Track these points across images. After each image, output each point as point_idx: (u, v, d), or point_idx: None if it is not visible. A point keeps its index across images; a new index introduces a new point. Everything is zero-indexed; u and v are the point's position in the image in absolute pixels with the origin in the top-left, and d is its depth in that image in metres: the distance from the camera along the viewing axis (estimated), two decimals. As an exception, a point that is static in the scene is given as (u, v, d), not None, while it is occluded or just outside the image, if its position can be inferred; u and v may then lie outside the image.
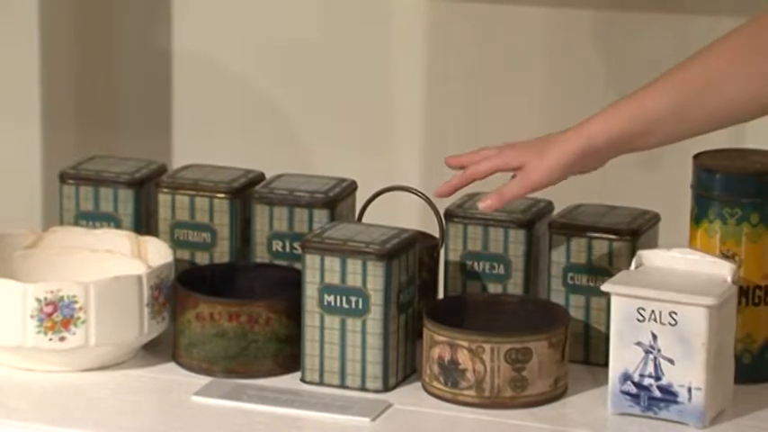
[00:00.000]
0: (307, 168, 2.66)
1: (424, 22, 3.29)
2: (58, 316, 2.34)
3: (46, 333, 2.34)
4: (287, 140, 3.27)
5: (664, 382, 2.25)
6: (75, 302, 2.34)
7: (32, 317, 2.33)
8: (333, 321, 2.35)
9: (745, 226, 2.35)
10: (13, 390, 2.37)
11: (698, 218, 2.39)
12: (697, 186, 2.39)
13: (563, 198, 2.56)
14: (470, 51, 3.27)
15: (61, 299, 2.33)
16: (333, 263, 2.35)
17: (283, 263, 2.52)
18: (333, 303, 2.35)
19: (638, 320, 2.25)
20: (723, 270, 2.28)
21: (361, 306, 2.34)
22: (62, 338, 2.34)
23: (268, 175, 2.62)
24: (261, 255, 2.55)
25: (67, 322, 2.34)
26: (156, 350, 2.46)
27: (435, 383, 2.33)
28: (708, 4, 3.13)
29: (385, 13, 3.30)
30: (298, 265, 2.40)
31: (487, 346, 2.28)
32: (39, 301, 2.33)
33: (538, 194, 2.53)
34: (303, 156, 2.95)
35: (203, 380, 2.38)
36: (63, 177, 2.63)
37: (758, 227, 2.36)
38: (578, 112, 3.13)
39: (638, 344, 2.25)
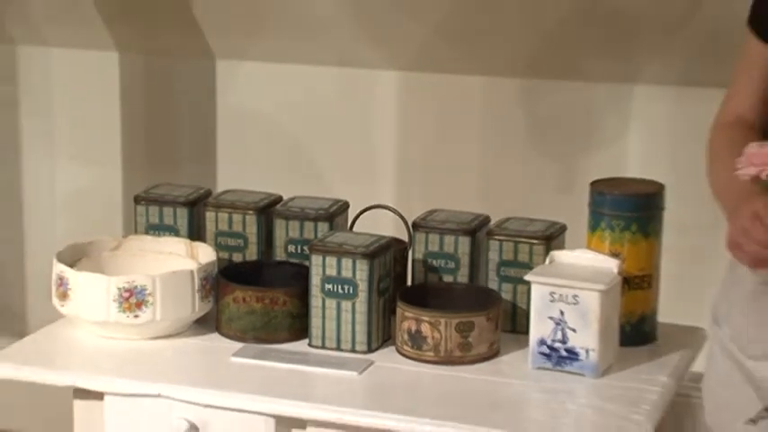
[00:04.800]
0: (313, 192, 2.64)
1: (396, 89, 3.30)
2: (133, 299, 2.34)
3: (124, 312, 2.35)
4: (298, 173, 3.26)
5: (568, 345, 2.27)
6: (146, 290, 2.34)
7: (114, 300, 2.34)
8: (331, 303, 2.36)
9: (626, 233, 2.36)
10: (102, 353, 2.37)
11: (593, 227, 2.39)
12: (592, 205, 2.39)
13: (497, 213, 2.55)
14: (429, 108, 3.27)
15: (135, 287, 2.34)
16: (331, 261, 2.35)
17: (296, 261, 2.50)
18: (331, 290, 2.36)
19: (551, 301, 2.27)
20: (611, 265, 2.29)
21: (351, 292, 2.35)
22: (136, 316, 2.35)
23: (285, 197, 2.61)
24: (280, 255, 2.54)
25: (140, 304, 2.35)
26: (203, 324, 2.45)
27: (405, 347, 2.33)
28: (606, 73, 3.15)
29: (370, 83, 3.31)
30: (306, 263, 2.40)
31: (443, 320, 2.30)
32: (119, 288, 2.34)
33: (471, 206, 2.58)
34: (310, 184, 2.94)
35: (238, 345, 2.38)
36: (137, 199, 2.62)
37: (636, 234, 2.36)
38: (506, 158, 3.19)
39: (551, 318, 2.27)
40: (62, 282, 2.39)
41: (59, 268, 2.40)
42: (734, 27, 2.11)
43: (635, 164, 3.03)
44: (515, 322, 2.42)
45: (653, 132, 3.09)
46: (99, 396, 2.28)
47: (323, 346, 2.38)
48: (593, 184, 2.42)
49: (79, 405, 2.32)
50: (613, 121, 3.15)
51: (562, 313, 2.27)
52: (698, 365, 2.29)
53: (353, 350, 2.37)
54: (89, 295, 2.37)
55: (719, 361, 2.11)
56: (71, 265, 2.42)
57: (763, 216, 1.86)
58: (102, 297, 2.35)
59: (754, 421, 2.03)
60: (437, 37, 3.18)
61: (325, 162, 3.33)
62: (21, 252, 3.59)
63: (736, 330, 2.07)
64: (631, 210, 2.36)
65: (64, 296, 2.39)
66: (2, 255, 3.60)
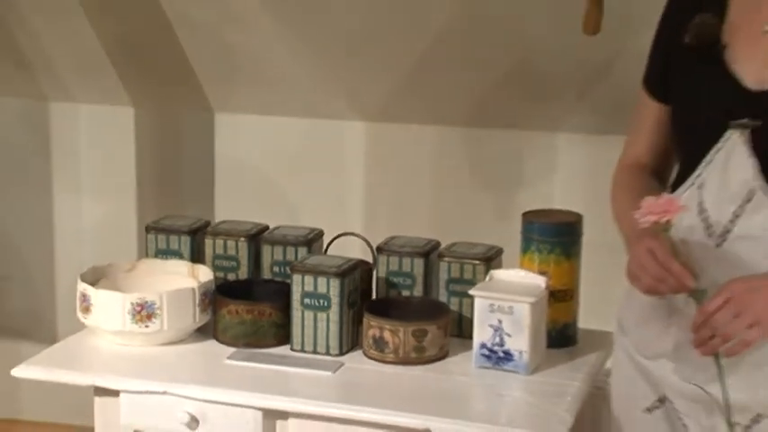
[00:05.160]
0: (293, 222, 2.64)
1: (363, 137, 3.31)
2: (144, 312, 2.34)
3: (136, 323, 2.35)
4: (281, 206, 3.26)
5: (505, 347, 2.27)
6: (155, 304, 2.34)
7: (128, 313, 2.34)
8: (309, 314, 2.35)
9: (552, 255, 2.36)
10: (117, 357, 2.37)
11: (524, 250, 2.39)
12: (524, 232, 2.40)
13: (446, 239, 2.55)
14: (391, 152, 3.29)
15: (146, 302, 2.34)
16: (309, 279, 2.35)
17: (280, 279, 2.49)
18: (309, 303, 2.35)
19: (490, 311, 2.27)
20: (539, 281, 2.30)
21: (326, 305, 2.34)
22: (146, 326, 2.35)
23: (270, 227, 2.60)
24: (266, 274, 2.53)
25: (150, 316, 2.35)
26: (203, 332, 2.44)
27: (370, 350, 2.33)
28: (535, 123, 3.16)
29: (341, 131, 3.32)
30: (288, 281, 2.39)
31: (401, 328, 2.30)
32: (132, 303, 2.34)
33: (426, 233, 2.58)
34: (291, 215, 2.93)
35: (231, 350, 2.37)
36: (147, 229, 2.61)
37: (560, 256, 2.36)
38: (453, 193, 3.20)
39: (490, 325, 2.27)
40: (85, 298, 2.39)
41: (83, 287, 2.40)
42: (636, 87, 2.12)
43: (559, 198, 3.05)
44: (461, 329, 2.42)
45: (573, 172, 3.11)
46: (115, 393, 2.28)
47: (302, 350, 2.37)
48: (525, 214, 2.42)
49: (98, 401, 2.31)
50: (541, 163, 3.17)
51: (500, 321, 2.27)
52: (610, 363, 2.29)
53: (327, 353, 2.36)
54: (107, 309, 2.36)
55: (623, 361, 2.12)
56: (93, 284, 2.41)
57: (656, 254, 1.89)
58: (119, 311, 2.35)
59: (649, 410, 2.06)
60: (398, 93, 3.19)
61: (304, 197, 3.34)
62: (51, 273, 3.58)
63: (636, 336, 2.08)
64: (555, 236, 2.37)
65: (86, 310, 2.39)
66: (36, 275, 3.59)
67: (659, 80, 2.06)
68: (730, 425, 1.92)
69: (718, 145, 1.91)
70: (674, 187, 2.01)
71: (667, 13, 2.04)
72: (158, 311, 2.36)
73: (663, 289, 1.91)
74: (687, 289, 1.88)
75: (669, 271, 1.88)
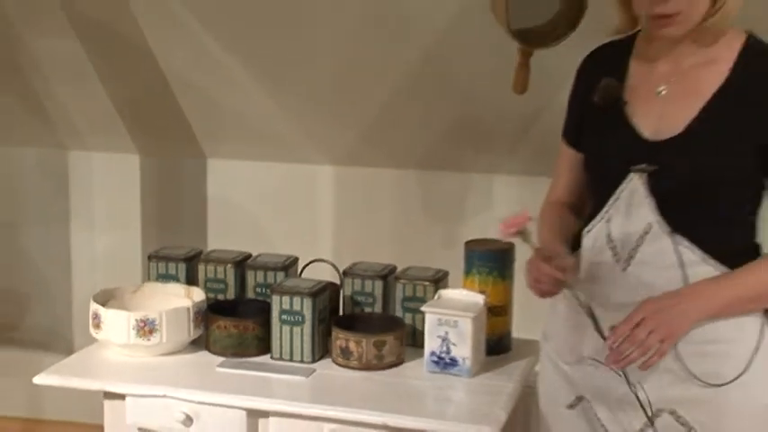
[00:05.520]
0: (273, 251, 2.63)
1: (331, 178, 3.31)
2: (146, 328, 2.33)
3: (140, 337, 2.33)
4: (263, 237, 3.25)
5: (451, 355, 2.26)
6: (155, 321, 2.33)
7: (133, 329, 2.33)
8: (286, 328, 2.34)
9: (490, 277, 2.36)
10: (124, 366, 2.35)
11: (467, 273, 2.39)
12: (466, 257, 2.39)
13: (402, 263, 2.54)
14: (355, 191, 3.28)
15: (148, 319, 2.33)
16: (286, 299, 2.34)
17: (262, 299, 2.48)
18: (286, 319, 2.34)
19: (438, 324, 2.26)
20: (479, 299, 2.31)
21: (300, 320, 2.33)
22: (148, 339, 2.34)
23: (253, 254, 2.59)
24: (250, 295, 2.52)
25: (151, 331, 2.33)
26: (196, 344, 2.42)
27: (338, 358, 2.32)
28: (475, 166, 3.16)
29: (313, 174, 3.31)
30: (269, 300, 2.38)
31: (364, 339, 2.29)
32: (137, 320, 2.33)
33: (385, 259, 2.57)
34: (271, 245, 2.90)
35: (220, 359, 2.36)
36: (150, 257, 2.59)
37: (496, 278, 2.36)
38: (408, 225, 3.22)
39: (439, 336, 2.26)
40: (96, 316, 2.38)
41: (94, 307, 2.39)
42: (558, 137, 2.13)
43: (495, 229, 3.04)
44: (415, 339, 2.41)
45: (508, 207, 3.05)
46: (122, 397, 2.27)
47: (280, 359, 2.36)
48: (467, 243, 2.42)
49: (108, 404, 2.30)
50: (481, 200, 3.17)
51: (446, 333, 2.27)
52: (538, 367, 2.28)
53: (302, 361, 2.35)
54: (115, 325, 2.35)
55: (547, 366, 2.12)
56: (103, 304, 2.40)
57: (530, 264, 1.93)
58: (125, 327, 2.34)
59: (570, 407, 2.06)
60: (361, 141, 3.19)
61: (282, 230, 3.32)
62: (69, 294, 3.56)
63: (557, 344, 2.09)
64: (492, 261, 2.37)
65: (98, 326, 2.38)
66: (55, 296, 3.57)
67: (575, 132, 2.08)
68: (649, 418, 1.91)
69: (622, 186, 1.92)
70: (588, 220, 2.01)
71: (579, 77, 2.07)
72: (158, 327, 2.34)
73: (545, 288, 1.93)
74: (560, 283, 1.90)
75: (539, 271, 1.90)
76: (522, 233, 1.91)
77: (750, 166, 1.86)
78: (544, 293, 1.96)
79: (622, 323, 1.83)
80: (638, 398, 1.89)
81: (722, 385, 1.88)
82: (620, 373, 1.89)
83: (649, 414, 1.90)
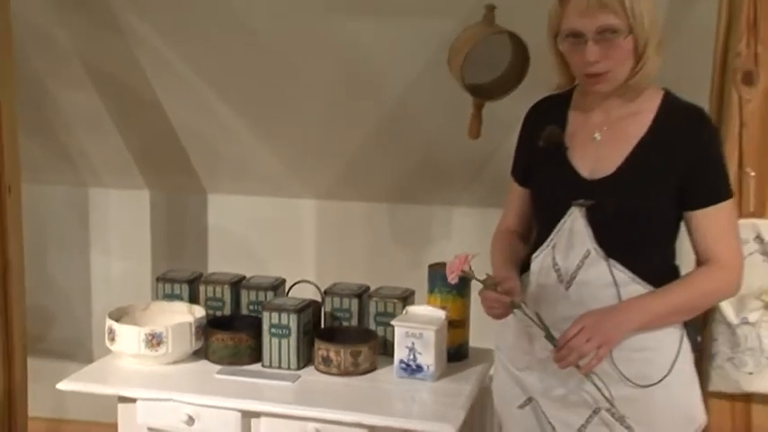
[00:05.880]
0: (265, 273, 2.62)
1: (314, 211, 3.28)
2: (154, 340, 2.30)
3: (149, 348, 2.31)
4: (255, 261, 3.21)
5: (417, 362, 2.25)
6: (162, 334, 2.31)
7: (143, 341, 2.30)
8: (275, 340, 2.32)
9: (450, 295, 2.35)
10: (135, 374, 2.32)
11: (430, 291, 2.37)
12: (429, 278, 2.38)
13: (375, 283, 2.52)
14: (334, 222, 3.25)
15: (156, 333, 2.30)
16: (275, 315, 2.32)
17: (254, 315, 2.45)
18: (275, 332, 2.32)
19: (406, 336, 2.25)
20: (441, 314, 2.29)
21: (287, 333, 2.31)
22: (156, 350, 2.31)
23: (247, 276, 2.57)
24: (244, 311, 2.49)
25: (159, 343, 2.31)
26: (198, 354, 2.40)
27: (320, 366, 2.30)
28: (437, 199, 3.14)
29: (298, 207, 3.28)
30: (260, 316, 2.36)
31: (342, 350, 2.27)
32: (146, 334, 2.30)
33: (360, 280, 2.54)
34: (263, 267, 2.89)
35: (218, 367, 2.34)
36: (158, 279, 2.57)
37: (456, 295, 2.35)
38: (380, 251, 3.21)
39: (407, 346, 2.25)
40: (111, 330, 2.35)
41: (109, 322, 2.36)
42: (507, 175, 2.13)
43: (455, 254, 3.03)
44: (386, 349, 2.39)
45: (465, 234, 3.10)
46: (133, 401, 2.24)
47: (270, 366, 2.34)
48: (430, 266, 2.41)
49: (121, 406, 2.27)
50: (442, 228, 3.16)
51: (413, 343, 2.25)
52: (492, 372, 2.26)
53: (289, 368, 2.33)
54: (127, 339, 2.32)
55: (500, 371, 2.10)
56: (117, 320, 2.37)
57: (481, 294, 1.92)
58: (135, 339, 2.31)
59: (521, 407, 2.04)
60: (339, 178, 3.17)
61: (272, 254, 3.29)
62: (89, 311, 3.51)
63: (508, 352, 2.07)
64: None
65: (112, 339, 2.35)
66: (77, 313, 3.53)
67: (522, 172, 2.07)
68: (613, 415, 1.90)
69: (564, 218, 1.92)
70: (535, 247, 2.00)
71: (526, 124, 2.06)
72: (165, 340, 2.32)
73: (498, 312, 1.91)
74: (509, 305, 1.89)
75: (489, 299, 1.90)
76: (465, 273, 1.89)
77: (668, 202, 1.87)
78: (498, 316, 1.94)
79: (565, 332, 1.83)
80: (602, 393, 1.87)
81: (650, 386, 1.89)
82: (583, 377, 1.87)
83: (610, 402, 1.88)
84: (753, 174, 2.06)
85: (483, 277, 1.91)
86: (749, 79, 2.03)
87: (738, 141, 2.04)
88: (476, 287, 2.34)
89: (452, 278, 1.88)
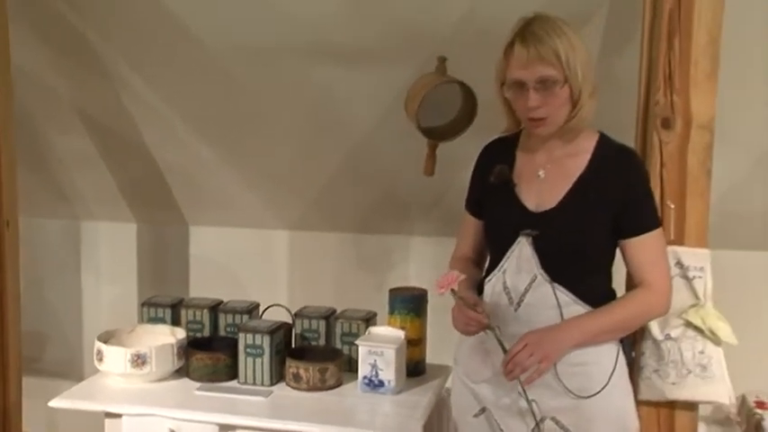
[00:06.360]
0: (241, 297, 2.57)
1: (286, 240, 3.24)
2: (139, 360, 2.24)
3: (134, 367, 2.24)
4: (232, 286, 3.13)
5: (379, 378, 2.21)
6: (147, 354, 2.24)
7: (129, 361, 2.24)
8: (250, 359, 2.27)
9: (408, 316, 2.31)
10: (122, 391, 2.25)
11: (390, 313, 2.34)
12: (390, 301, 2.34)
13: (341, 306, 2.47)
14: (305, 250, 3.22)
15: (141, 353, 2.24)
16: (250, 336, 2.26)
17: (231, 336, 2.39)
18: (250, 352, 2.26)
19: (369, 354, 2.20)
20: (400, 334, 2.25)
21: (261, 353, 2.26)
22: (141, 369, 2.24)
23: (225, 301, 2.51)
24: (222, 333, 2.44)
25: (143, 362, 2.24)
26: (179, 373, 2.34)
27: (291, 382, 2.25)
28: (396, 229, 3.12)
29: (272, 237, 3.23)
30: (237, 337, 2.30)
31: (311, 367, 2.22)
32: (132, 355, 2.24)
33: (328, 304, 2.49)
34: (240, 292, 2.82)
35: (198, 384, 2.27)
36: (143, 304, 2.51)
37: (414, 316, 2.31)
38: (346, 276, 3.17)
39: (369, 363, 2.20)
40: (99, 352, 2.28)
41: (98, 344, 2.29)
42: (461, 208, 2.10)
43: (413, 278, 3.02)
44: (351, 366, 2.35)
45: (422, 261, 3.09)
46: (119, 416, 2.16)
47: (245, 383, 2.28)
48: (391, 290, 2.38)
49: (108, 422, 2.19)
50: (401, 256, 3.14)
51: (375, 361, 2.21)
52: (449, 384, 2.23)
53: (262, 385, 2.27)
54: (114, 359, 2.25)
55: (457, 383, 2.06)
56: (105, 342, 2.30)
57: (460, 310, 1.88)
58: (122, 360, 2.25)
59: (476, 416, 2.00)
60: (309, 211, 3.14)
61: (248, 280, 3.23)
62: (80, 334, 3.44)
63: (465, 366, 2.03)
64: (410, 304, 2.32)
65: (100, 360, 2.27)
66: (69, 335, 3.45)
67: (475, 205, 2.06)
68: (537, 424, 1.88)
69: (513, 246, 1.91)
70: (488, 272, 1.98)
71: (478, 163, 2.05)
72: (149, 359, 2.26)
73: (472, 329, 1.87)
74: (484, 326, 1.85)
75: (468, 317, 1.86)
76: (453, 291, 1.85)
77: (605, 231, 1.87)
78: (471, 333, 1.91)
79: (511, 348, 1.82)
80: (532, 409, 1.86)
81: (589, 397, 1.88)
82: (520, 390, 1.85)
83: (537, 420, 1.88)
84: (672, 206, 2.08)
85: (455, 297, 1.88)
86: (667, 124, 2.08)
87: (660, 178, 2.09)
88: (433, 308, 2.33)
89: (441, 292, 1.83)
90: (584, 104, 1.84)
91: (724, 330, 2.07)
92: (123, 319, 2.93)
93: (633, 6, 2.17)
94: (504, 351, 1.83)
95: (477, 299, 1.91)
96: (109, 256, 3.39)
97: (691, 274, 2.09)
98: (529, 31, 1.80)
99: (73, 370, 3.38)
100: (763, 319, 2.56)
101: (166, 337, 2.39)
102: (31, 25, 2.72)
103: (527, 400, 1.84)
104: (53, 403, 2.19)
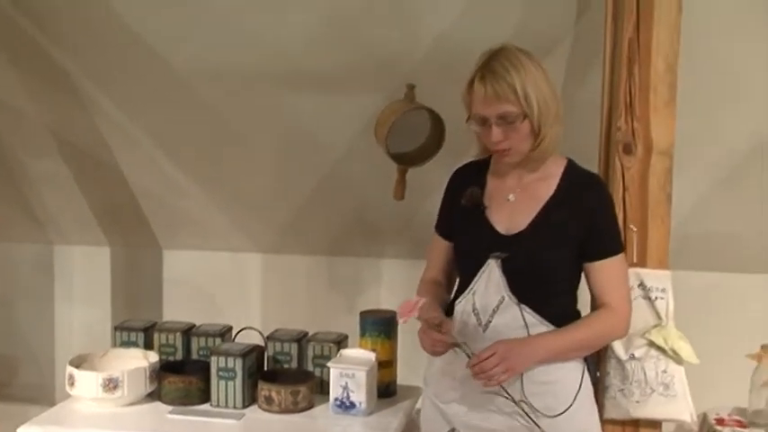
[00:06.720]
0: (215, 320, 2.54)
1: (259, 263, 3.22)
2: (111, 384, 2.20)
3: (106, 392, 2.20)
4: (206, 309, 3.11)
5: (351, 399, 2.19)
6: (119, 378, 2.20)
7: (101, 385, 2.19)
8: (222, 382, 2.23)
9: (379, 339, 2.29)
10: (94, 416, 2.20)
11: (362, 335, 2.32)
12: (361, 323, 2.32)
13: (312, 329, 2.46)
14: (277, 273, 3.21)
15: (113, 377, 2.20)
16: (222, 359, 2.24)
17: (204, 359, 2.36)
18: (222, 375, 2.23)
19: (340, 376, 2.18)
20: (371, 356, 2.24)
21: (233, 376, 2.23)
22: (113, 393, 2.20)
23: (197, 324, 2.48)
24: (195, 356, 2.40)
25: (115, 387, 2.20)
26: (152, 396, 2.30)
27: (263, 405, 2.22)
28: (362, 252, 3.11)
29: (245, 260, 3.23)
30: (209, 360, 2.27)
31: (282, 389, 2.20)
32: (104, 379, 2.19)
33: (300, 326, 2.46)
34: (213, 315, 2.80)
35: (170, 408, 2.24)
36: (115, 328, 2.47)
37: (384, 338, 2.29)
38: (318, 299, 3.16)
39: (341, 385, 2.18)
40: (71, 376, 2.23)
41: (70, 369, 2.24)
42: (431, 230, 2.11)
43: (383, 300, 3.03)
44: (323, 388, 2.31)
45: (394, 283, 3.09)
46: (91, 441, 2.12)
47: (218, 406, 2.25)
48: (361, 312, 2.36)
49: (79, 447, 2.15)
50: (372, 279, 3.14)
51: (347, 383, 2.19)
52: (419, 404, 2.21)
53: (234, 407, 2.24)
54: (86, 383, 2.21)
55: (427, 404, 2.07)
56: (77, 367, 2.25)
57: (426, 332, 1.88)
58: (94, 384, 2.20)
59: (445, 435, 2.01)
60: (282, 235, 3.13)
61: (221, 303, 3.22)
62: (52, 358, 3.39)
63: (435, 386, 2.03)
64: (380, 326, 2.31)
65: (72, 384, 2.22)
66: (41, 359, 3.40)
67: (445, 227, 2.06)
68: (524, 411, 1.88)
69: (483, 268, 1.92)
70: (457, 295, 1.99)
71: (450, 186, 2.06)
72: (121, 384, 2.22)
73: (438, 350, 1.88)
74: (450, 344, 1.86)
75: (433, 339, 1.86)
76: (416, 316, 1.85)
77: (571, 254, 1.89)
78: (438, 354, 1.92)
79: (480, 353, 1.82)
80: (523, 410, 1.87)
81: (555, 416, 1.88)
82: (505, 395, 1.86)
83: (519, 404, 1.86)
84: (635, 230, 2.12)
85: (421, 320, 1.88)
86: (628, 150, 2.12)
87: (623, 202, 2.12)
88: (403, 330, 2.33)
89: (404, 321, 1.83)
90: (545, 135, 1.87)
91: (686, 350, 2.09)
92: (96, 343, 2.89)
93: (596, 36, 2.22)
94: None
95: (443, 318, 1.91)
96: (82, 279, 3.35)
97: (653, 295, 2.12)
98: (488, 68, 1.83)
99: (44, 395, 3.32)
100: (723, 338, 2.59)
101: (139, 360, 2.35)
102: (1, 48, 2.70)
103: (514, 401, 1.84)
104: (23, 429, 2.15)
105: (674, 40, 2.08)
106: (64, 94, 2.80)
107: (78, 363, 2.31)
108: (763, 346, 2.46)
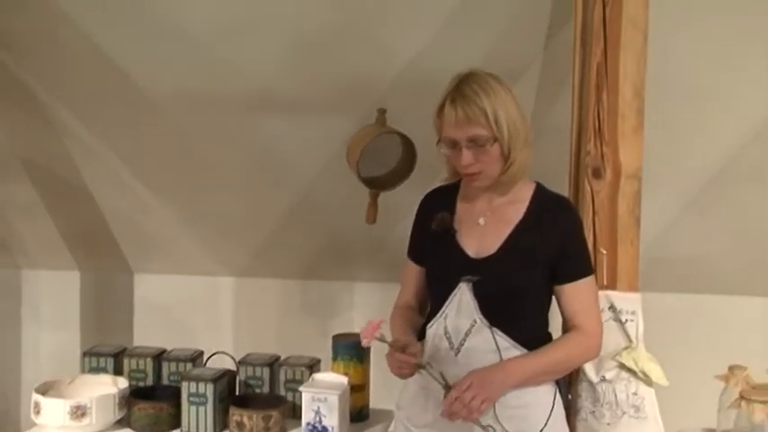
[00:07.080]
0: (186, 344, 2.50)
1: (231, 287, 3.20)
2: (79, 411, 2.14)
3: (73, 419, 2.14)
4: (178, 334, 3.05)
5: (323, 424, 2.14)
6: (87, 405, 2.15)
7: (68, 413, 2.14)
8: (193, 408, 2.19)
9: (351, 362, 2.26)
10: (60, 443, 2.16)
11: (334, 359, 2.29)
12: (333, 347, 2.29)
13: (285, 353, 2.42)
14: (249, 297, 3.19)
15: (80, 404, 2.14)
16: (193, 384, 2.20)
17: (175, 385, 2.32)
18: (194, 401, 2.19)
19: (313, 400, 2.14)
20: (343, 380, 2.20)
21: (204, 401, 2.19)
22: (80, 421, 2.14)
23: (168, 349, 2.44)
24: (165, 381, 2.36)
25: (83, 414, 2.14)
26: (121, 423, 2.24)
27: (235, 430, 2.17)
28: (339, 275, 3.10)
29: (218, 284, 3.20)
30: (180, 386, 2.23)
31: (254, 415, 2.15)
32: (71, 406, 2.14)
33: (272, 350, 2.42)
34: (185, 340, 2.75)
35: (140, 435, 2.20)
36: (84, 354, 2.42)
37: (356, 362, 2.27)
38: (291, 323, 3.13)
39: (313, 410, 2.14)
40: (37, 404, 2.17)
41: (35, 396, 2.18)
42: (403, 255, 2.09)
43: (357, 325, 3.00)
44: (295, 412, 2.28)
45: (367, 307, 3.07)
46: (57, 470, 2.05)
47: (189, 433, 2.21)
48: (334, 336, 2.33)
49: (46, 476, 2.08)
50: (344, 302, 3.12)
51: (319, 407, 2.15)
52: (392, 428, 2.19)
53: (205, 434, 2.20)
54: (53, 411, 2.14)
55: (400, 428, 2.04)
56: (44, 394, 2.19)
57: (391, 355, 1.86)
58: (61, 412, 2.14)
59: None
60: (254, 258, 3.11)
61: (193, 327, 3.17)
62: (18, 385, 3.32)
63: (408, 411, 2.01)
64: (353, 350, 2.28)
65: (38, 412, 2.16)
66: (5, 386, 3.32)
67: (417, 252, 2.05)
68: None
69: (454, 292, 1.90)
70: (429, 318, 1.97)
71: (420, 211, 2.05)
72: (89, 411, 2.16)
73: (406, 372, 1.86)
74: (415, 366, 1.84)
75: (399, 360, 1.84)
76: (379, 338, 1.82)
77: (541, 277, 1.89)
78: (405, 376, 1.89)
79: (455, 388, 1.80)
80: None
81: None
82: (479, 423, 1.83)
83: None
84: (605, 252, 2.12)
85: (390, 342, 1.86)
86: (598, 174, 2.13)
87: (592, 225, 2.12)
88: (376, 354, 2.30)
89: (366, 343, 1.80)
90: (515, 159, 1.87)
91: (656, 372, 2.09)
92: (65, 370, 2.82)
93: (565, 61, 2.23)
94: (443, 385, 1.81)
95: (409, 340, 1.89)
96: (50, 304, 3.30)
97: (623, 317, 2.11)
98: (459, 92, 1.83)
99: (9, 423, 3.25)
100: (693, 360, 2.59)
101: (108, 387, 2.30)
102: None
103: (486, 427, 1.82)
104: (-14, 458, 2.10)
105: (640, 66, 2.09)
106: (31, 116, 2.76)
107: (45, 390, 2.24)
108: (730, 367, 2.46)
